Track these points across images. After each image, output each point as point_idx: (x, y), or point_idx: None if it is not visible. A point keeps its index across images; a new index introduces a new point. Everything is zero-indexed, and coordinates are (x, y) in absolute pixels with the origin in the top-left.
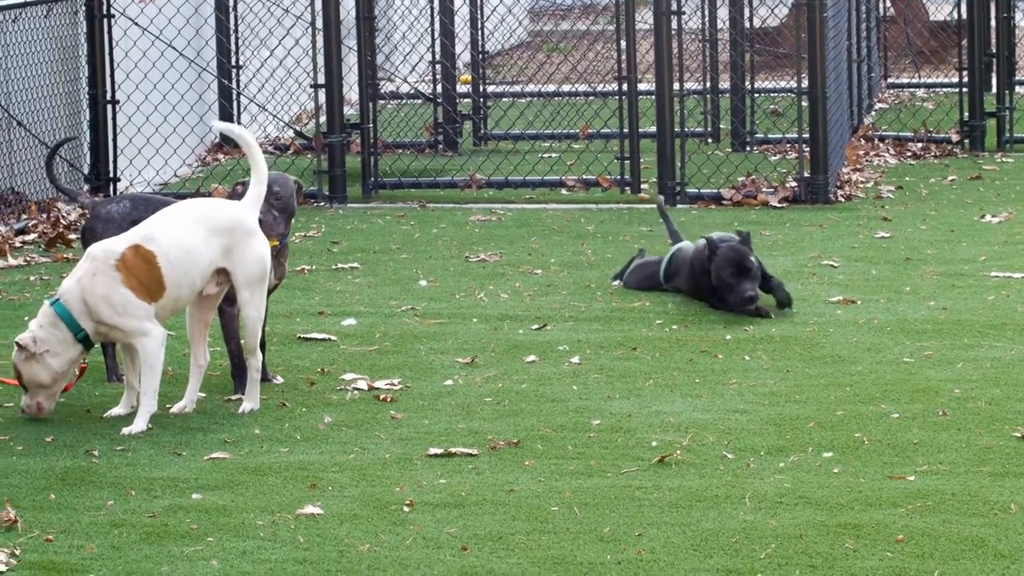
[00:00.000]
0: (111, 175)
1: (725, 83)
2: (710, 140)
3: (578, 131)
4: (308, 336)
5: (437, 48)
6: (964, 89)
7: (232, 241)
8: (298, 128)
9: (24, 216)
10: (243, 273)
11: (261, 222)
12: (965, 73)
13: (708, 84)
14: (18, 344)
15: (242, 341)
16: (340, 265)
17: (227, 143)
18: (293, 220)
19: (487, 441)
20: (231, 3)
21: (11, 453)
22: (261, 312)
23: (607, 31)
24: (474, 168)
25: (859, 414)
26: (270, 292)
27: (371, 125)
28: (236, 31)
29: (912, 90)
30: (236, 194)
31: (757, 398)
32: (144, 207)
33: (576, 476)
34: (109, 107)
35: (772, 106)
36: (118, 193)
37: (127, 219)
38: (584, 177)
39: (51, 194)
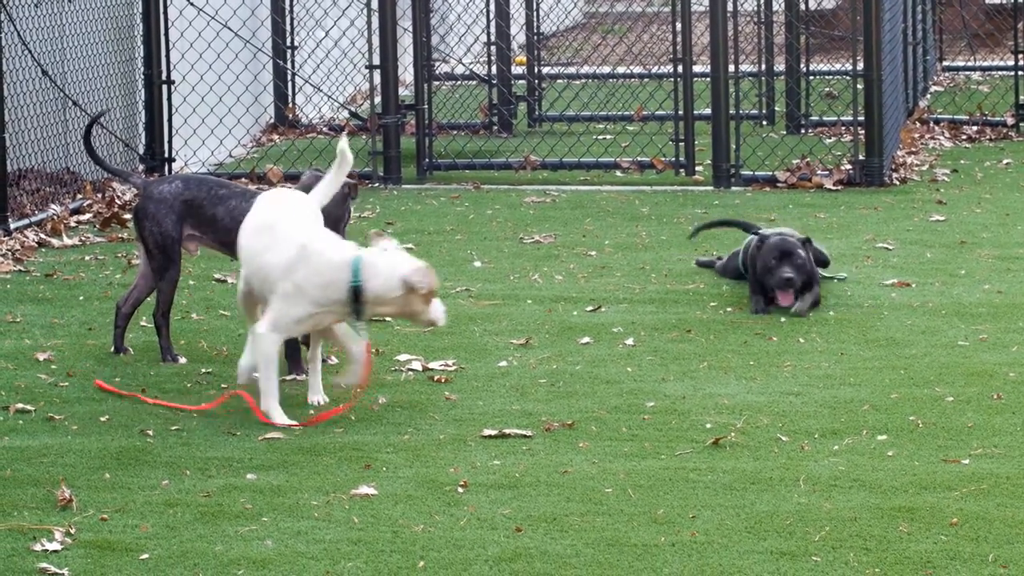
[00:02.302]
0: (166, 155)
1: (780, 65)
2: (765, 122)
3: (633, 113)
4: None
5: (492, 29)
6: (1019, 72)
7: None
8: (353, 109)
9: (79, 196)
10: None
11: None
12: (1021, 56)
13: (763, 66)
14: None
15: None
16: None
17: (281, 123)
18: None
19: (541, 423)
20: None
21: (66, 432)
22: None
23: (662, 12)
24: (528, 149)
25: (914, 397)
26: None
27: (426, 106)
28: (291, 11)
29: (967, 73)
30: (303, 184)
31: (811, 381)
32: (196, 187)
33: (630, 458)
34: (164, 87)
35: (827, 88)
36: (172, 173)
37: (179, 199)
38: (639, 159)
39: (106, 174)
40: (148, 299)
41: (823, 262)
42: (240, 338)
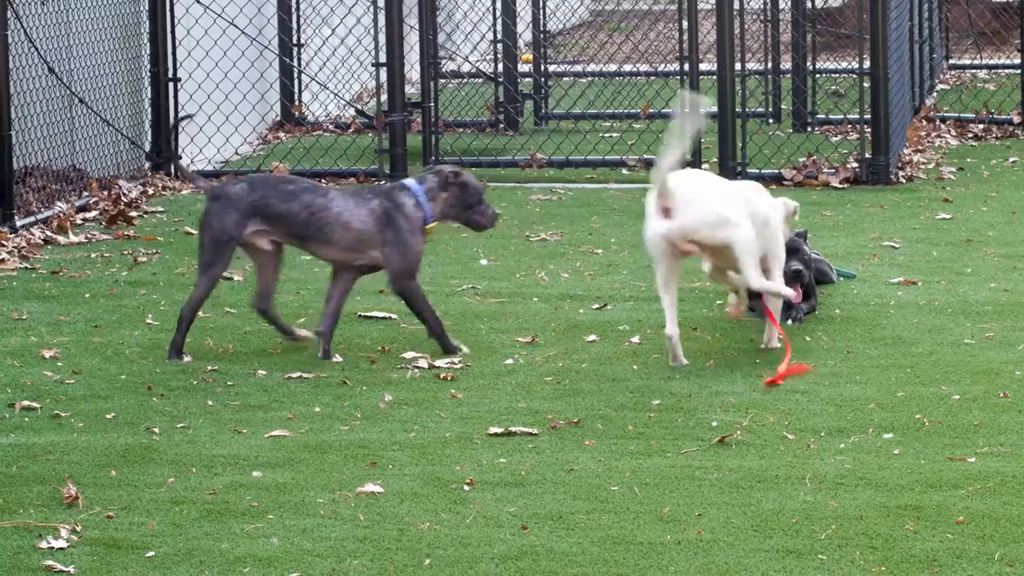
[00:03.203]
0: (172, 153)
1: (786, 63)
2: (771, 120)
3: (639, 111)
4: (369, 315)
5: (498, 27)
6: None
7: None
8: (359, 107)
9: (85, 193)
10: None
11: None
12: None
13: (769, 64)
14: None
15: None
16: None
17: (288, 121)
18: None
19: (547, 420)
20: None
21: (72, 430)
22: None
23: (669, 11)
24: (535, 147)
25: (920, 395)
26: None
27: (432, 104)
28: (298, 9)
29: (974, 71)
30: (443, 177)
31: (817, 379)
32: (262, 186)
33: (636, 456)
34: (171, 85)
35: (833, 87)
36: (191, 170)
37: (245, 200)
38: (645, 157)
39: (112, 171)
40: (199, 296)
41: (824, 278)
42: (246, 336)
